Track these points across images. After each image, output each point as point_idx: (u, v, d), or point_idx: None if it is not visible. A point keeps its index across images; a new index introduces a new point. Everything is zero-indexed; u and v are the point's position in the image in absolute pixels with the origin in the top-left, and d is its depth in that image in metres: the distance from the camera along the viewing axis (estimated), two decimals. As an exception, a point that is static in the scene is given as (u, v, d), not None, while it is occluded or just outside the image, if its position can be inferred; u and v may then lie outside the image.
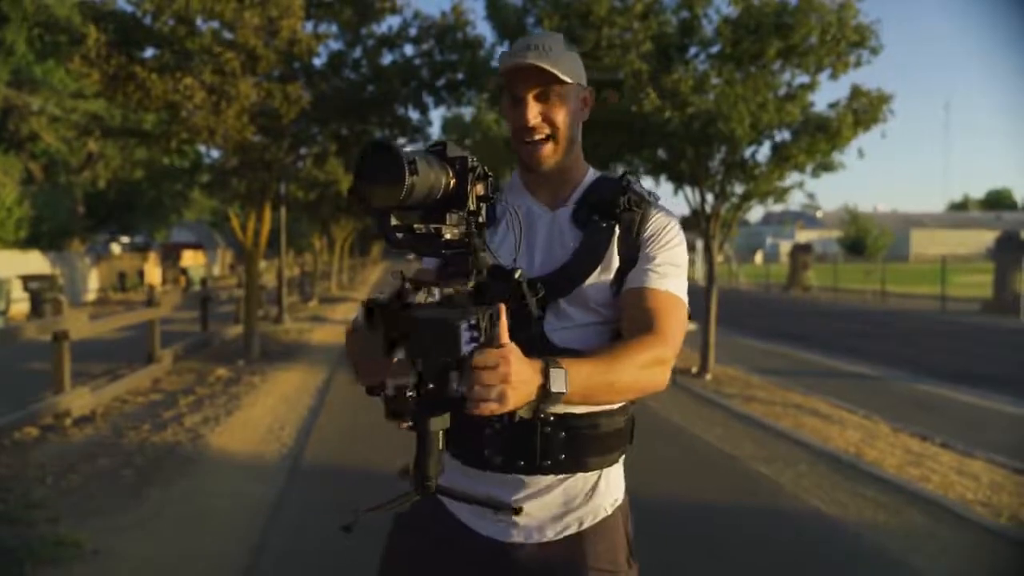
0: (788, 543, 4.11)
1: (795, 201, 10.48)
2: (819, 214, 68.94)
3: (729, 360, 10.44)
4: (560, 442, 1.36)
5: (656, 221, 1.45)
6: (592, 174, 1.52)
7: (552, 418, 1.34)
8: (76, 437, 6.05)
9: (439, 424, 1.11)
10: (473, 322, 1.04)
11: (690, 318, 1.45)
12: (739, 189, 9.41)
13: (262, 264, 12.83)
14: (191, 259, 34.41)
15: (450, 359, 1.03)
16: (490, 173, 1.21)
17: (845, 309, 22.68)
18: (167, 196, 25.16)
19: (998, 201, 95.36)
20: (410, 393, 1.04)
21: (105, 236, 34.48)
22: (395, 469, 1.33)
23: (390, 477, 1.33)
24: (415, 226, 1.13)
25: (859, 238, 57.39)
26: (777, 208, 11.80)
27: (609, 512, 1.44)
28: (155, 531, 4.13)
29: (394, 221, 1.13)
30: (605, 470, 1.43)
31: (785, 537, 4.20)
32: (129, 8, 9.45)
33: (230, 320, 14.51)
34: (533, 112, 1.39)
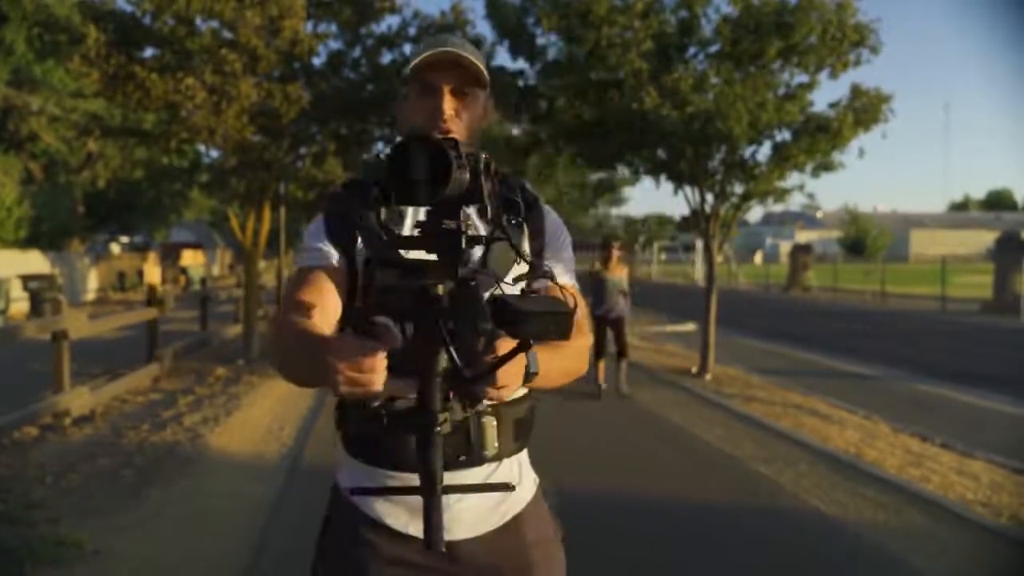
0: (788, 543, 4.10)
1: (795, 201, 10.53)
2: (819, 214, 68.99)
3: (729, 360, 10.44)
4: (493, 431, 1.40)
5: (551, 219, 1.55)
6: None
7: (489, 409, 1.38)
8: (76, 437, 6.04)
9: (443, 427, 1.11)
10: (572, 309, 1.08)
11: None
12: (739, 189, 9.41)
13: (261, 264, 12.81)
14: (190, 259, 34.40)
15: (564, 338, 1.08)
16: (498, 171, 1.22)
17: (845, 309, 22.68)
18: (166, 196, 25.15)
19: (998, 201, 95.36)
20: (451, 400, 1.07)
21: (105, 236, 34.46)
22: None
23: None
24: (445, 223, 1.10)
25: (859, 238, 57.40)
26: (777, 208, 11.82)
27: (535, 492, 1.52)
28: (155, 531, 4.13)
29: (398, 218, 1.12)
30: (522, 455, 1.50)
31: (785, 537, 4.19)
32: (129, 8, 9.45)
33: (229, 320, 14.52)
34: (449, 104, 1.40)
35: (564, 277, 1.47)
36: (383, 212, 1.14)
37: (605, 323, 8.11)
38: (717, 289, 9.92)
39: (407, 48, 11.06)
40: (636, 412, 7.53)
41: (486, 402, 1.32)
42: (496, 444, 1.40)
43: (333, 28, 10.91)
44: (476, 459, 1.39)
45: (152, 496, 4.67)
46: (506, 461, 1.45)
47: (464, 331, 1.06)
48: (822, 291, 29.64)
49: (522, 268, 1.44)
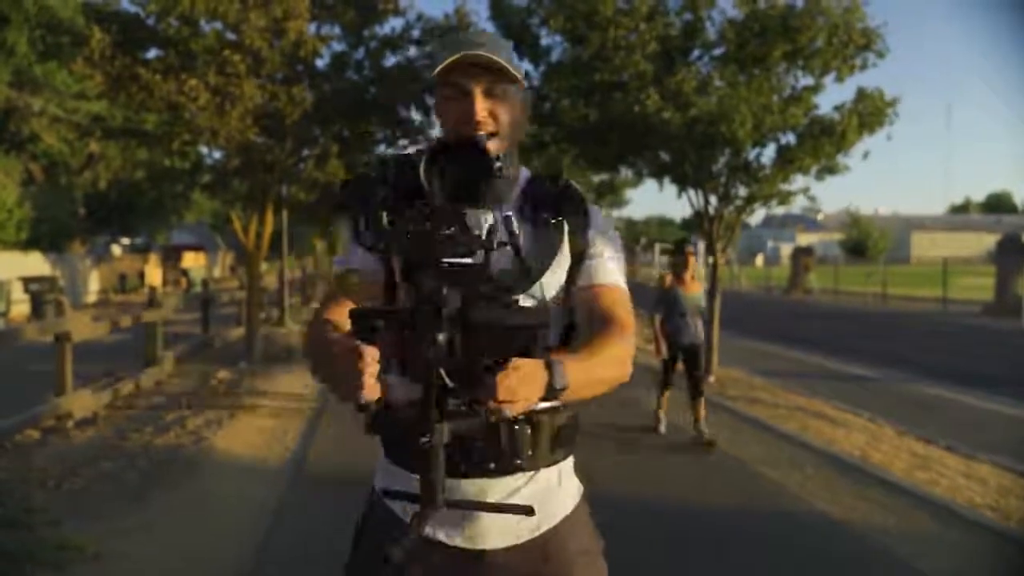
0: (794, 546, 4.08)
1: (796, 204, 10.47)
2: (820, 217, 68.94)
3: (732, 362, 10.41)
4: (527, 440, 1.36)
5: (597, 218, 1.49)
6: (525, 173, 1.51)
7: (521, 417, 1.31)
8: (78, 440, 6.02)
9: (446, 435, 1.08)
10: (546, 321, 1.04)
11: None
12: (743, 192, 9.39)
13: (263, 266, 12.80)
14: (192, 261, 34.40)
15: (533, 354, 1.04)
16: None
17: (846, 311, 22.66)
18: (168, 197, 25.13)
19: (998, 204, 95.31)
20: (435, 411, 1.02)
21: (106, 237, 34.45)
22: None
23: None
24: (448, 228, 1.08)
25: (860, 241, 57.35)
26: (778, 211, 11.81)
27: (577, 502, 1.47)
28: (158, 534, 4.10)
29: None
30: (564, 464, 1.45)
31: (791, 540, 4.17)
32: (133, 9, 9.44)
33: (231, 322, 14.50)
34: (481, 105, 1.35)
35: (606, 276, 1.44)
36: (384, 214, 1.10)
37: (676, 349, 6.39)
38: (719, 291, 9.90)
39: (411, 50, 11.06)
40: (638, 414, 7.50)
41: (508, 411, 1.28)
42: (530, 453, 1.36)
43: (337, 30, 10.91)
44: (507, 467, 1.35)
45: (155, 499, 4.65)
46: (544, 471, 1.40)
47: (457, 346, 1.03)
48: (823, 293, 29.62)
49: (563, 266, 1.42)
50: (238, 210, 12.54)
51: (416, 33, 10.91)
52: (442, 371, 1.02)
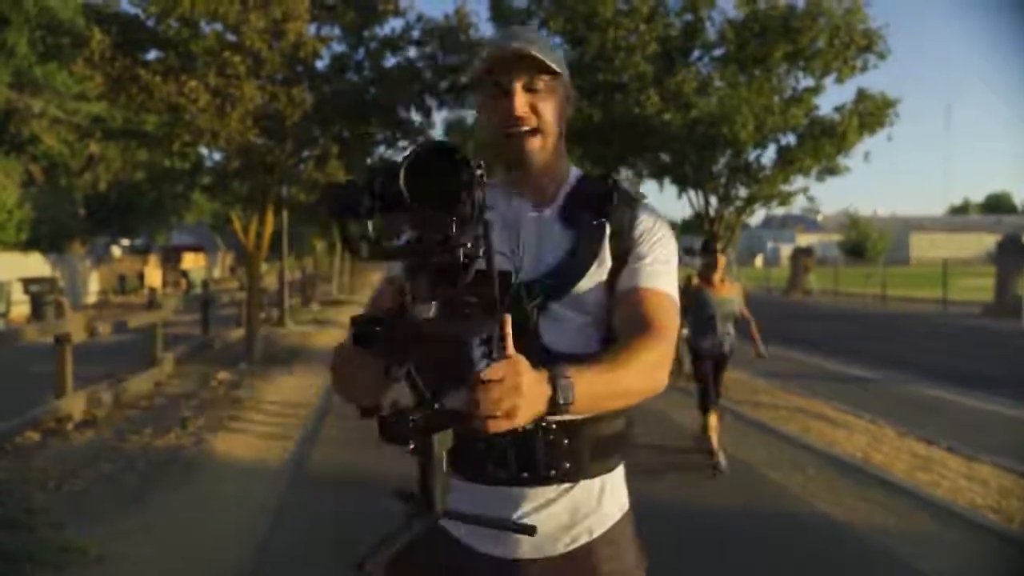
0: (795, 547, 4.08)
1: (796, 205, 10.50)
2: (819, 218, 68.97)
3: (732, 364, 10.39)
4: (564, 450, 1.31)
5: (646, 220, 1.41)
6: (575, 173, 1.46)
7: (555, 426, 1.29)
8: (78, 441, 6.01)
9: (444, 445, 1.05)
10: (485, 337, 0.98)
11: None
12: (743, 192, 9.40)
13: (263, 267, 12.80)
14: (192, 262, 34.40)
15: (463, 377, 0.98)
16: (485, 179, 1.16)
17: (846, 312, 22.66)
18: (168, 198, 25.15)
19: (998, 205, 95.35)
20: (413, 417, 0.99)
21: (105, 238, 34.46)
22: (393, 482, 1.26)
23: (393, 480, 1.27)
24: (432, 234, 1.04)
25: (859, 242, 57.38)
26: (778, 212, 11.83)
27: (618, 518, 1.41)
28: (159, 536, 4.10)
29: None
30: (608, 475, 1.39)
31: (792, 541, 4.16)
32: (133, 10, 9.44)
33: (231, 323, 14.49)
34: (521, 101, 1.32)
35: (648, 280, 1.36)
36: (371, 223, 1.07)
37: (707, 360, 5.74)
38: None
39: (410, 51, 11.06)
40: (641, 416, 7.49)
41: (549, 418, 1.21)
42: (566, 464, 1.31)
43: (336, 31, 10.91)
44: (539, 478, 1.31)
45: (155, 501, 4.64)
46: (584, 482, 1.35)
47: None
48: (823, 294, 29.61)
49: (601, 272, 1.36)
50: (238, 211, 12.55)
51: (416, 34, 10.93)
52: (417, 380, 1.00)
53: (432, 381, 1.01)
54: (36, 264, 20.84)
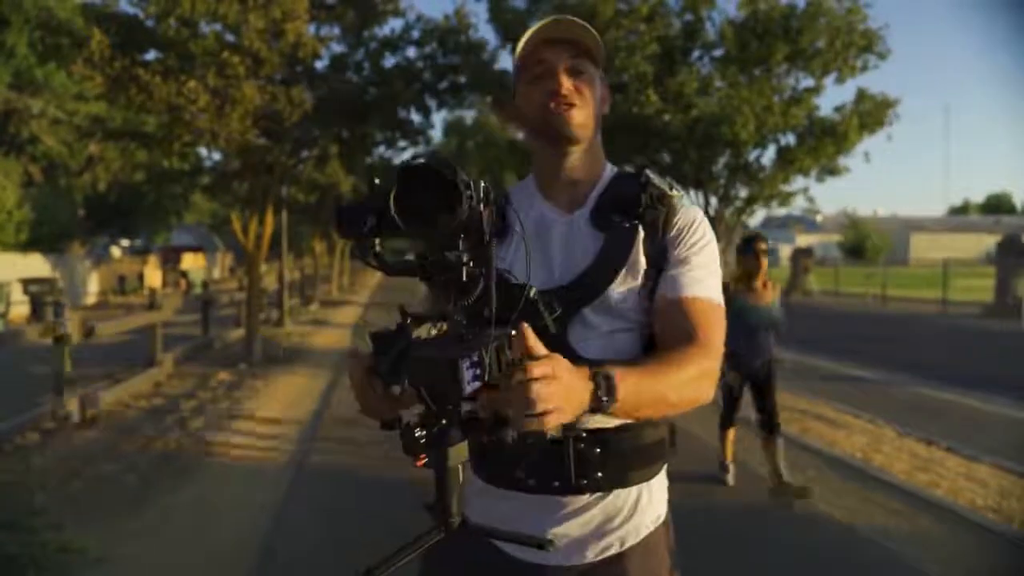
0: (794, 548, 4.07)
1: (796, 205, 10.50)
2: (819, 218, 68.97)
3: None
4: (596, 459, 1.29)
5: (682, 218, 1.36)
6: (610, 171, 1.43)
7: (585, 434, 1.27)
8: (78, 442, 6.01)
9: (457, 457, 1.05)
10: (475, 358, 0.98)
11: None
12: (743, 193, 9.40)
13: (263, 267, 12.81)
14: (191, 262, 34.39)
15: (453, 399, 0.98)
16: (511, 198, 1.15)
17: (846, 313, 22.66)
18: (167, 199, 25.16)
19: (998, 205, 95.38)
20: (419, 432, 1.00)
21: (105, 239, 34.46)
22: (409, 481, 1.26)
23: (393, 481, 1.25)
24: (444, 254, 1.06)
25: (859, 242, 57.40)
26: (778, 212, 11.83)
27: (652, 529, 1.37)
28: (159, 537, 4.10)
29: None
30: (645, 484, 1.36)
31: (793, 542, 4.16)
32: (132, 11, 9.44)
33: (231, 323, 14.48)
34: (567, 80, 1.32)
35: (690, 287, 1.31)
36: (376, 241, 1.08)
37: (743, 374, 5.04)
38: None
39: (410, 51, 11.06)
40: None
41: (585, 427, 1.25)
42: (598, 474, 1.29)
43: (336, 31, 10.92)
44: (570, 487, 1.29)
45: (156, 502, 4.64)
46: (619, 491, 1.32)
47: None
48: (823, 294, 29.61)
49: (635, 277, 1.33)
50: (237, 211, 12.56)
51: (415, 34, 10.93)
52: (424, 395, 1.00)
53: (431, 396, 1.01)
54: (36, 265, 20.83)
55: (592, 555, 1.33)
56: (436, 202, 1.00)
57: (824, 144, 8.31)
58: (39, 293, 17.51)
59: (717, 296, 1.35)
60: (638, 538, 1.35)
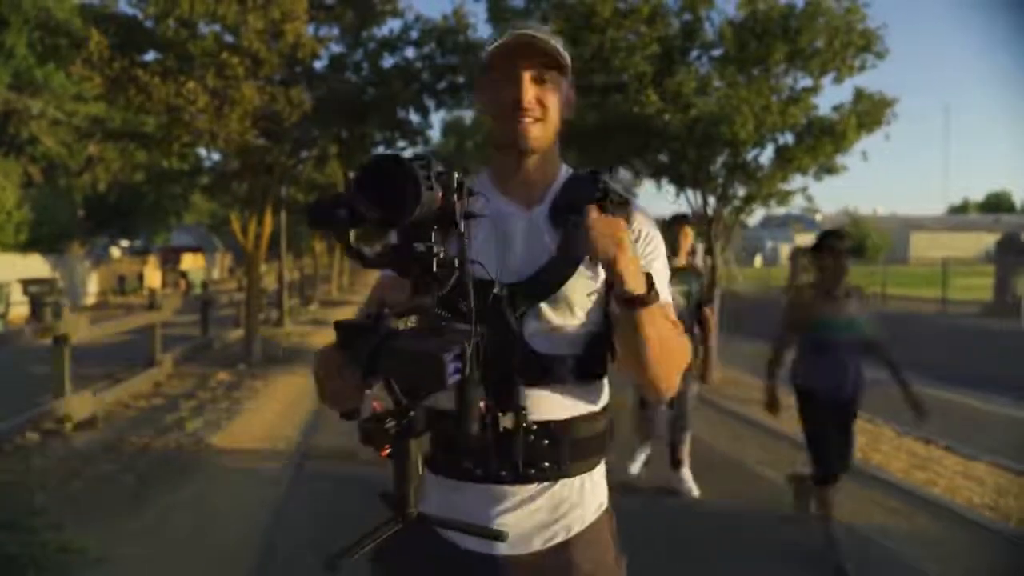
0: (792, 547, 4.08)
1: (795, 204, 10.50)
2: (819, 217, 68.90)
3: (731, 364, 10.41)
4: (543, 450, 1.33)
5: (640, 225, 1.43)
6: (565, 171, 1.47)
7: (535, 426, 1.32)
8: (78, 442, 6.02)
9: (419, 449, 1.08)
10: (457, 352, 1.00)
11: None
12: (741, 192, 9.41)
13: (263, 267, 12.82)
14: (191, 262, 34.40)
15: (434, 391, 1.01)
16: (473, 190, 1.16)
17: (846, 312, 22.63)
18: (167, 199, 25.16)
19: (998, 204, 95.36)
20: (391, 423, 1.02)
21: (105, 239, 34.45)
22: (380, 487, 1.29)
23: (391, 482, 1.29)
24: (414, 245, 1.08)
25: (859, 241, 57.41)
26: (778, 211, 11.84)
27: (596, 517, 1.43)
28: (159, 536, 4.11)
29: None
30: (587, 475, 1.41)
31: (789, 540, 4.17)
32: (131, 11, 9.45)
33: (230, 324, 14.49)
34: (530, 91, 1.35)
35: (661, 295, 1.35)
36: (352, 234, 1.10)
37: (832, 412, 3.97)
38: (718, 291, 9.91)
39: (409, 51, 11.07)
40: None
41: (534, 418, 1.30)
42: (545, 464, 1.34)
43: (335, 31, 10.92)
44: (518, 476, 1.34)
45: (155, 501, 4.65)
46: (564, 481, 1.37)
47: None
48: (822, 294, 29.55)
49: (592, 280, 1.38)
50: (237, 212, 12.57)
51: (414, 34, 10.94)
52: (394, 386, 1.02)
53: (407, 389, 1.03)
54: (35, 265, 20.84)
55: (539, 544, 1.37)
56: (400, 194, 1.02)
57: (822, 143, 8.31)
58: (39, 294, 17.52)
59: (670, 296, 1.45)
60: (583, 526, 1.40)
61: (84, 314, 14.90)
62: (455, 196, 1.09)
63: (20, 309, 17.76)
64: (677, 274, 4.47)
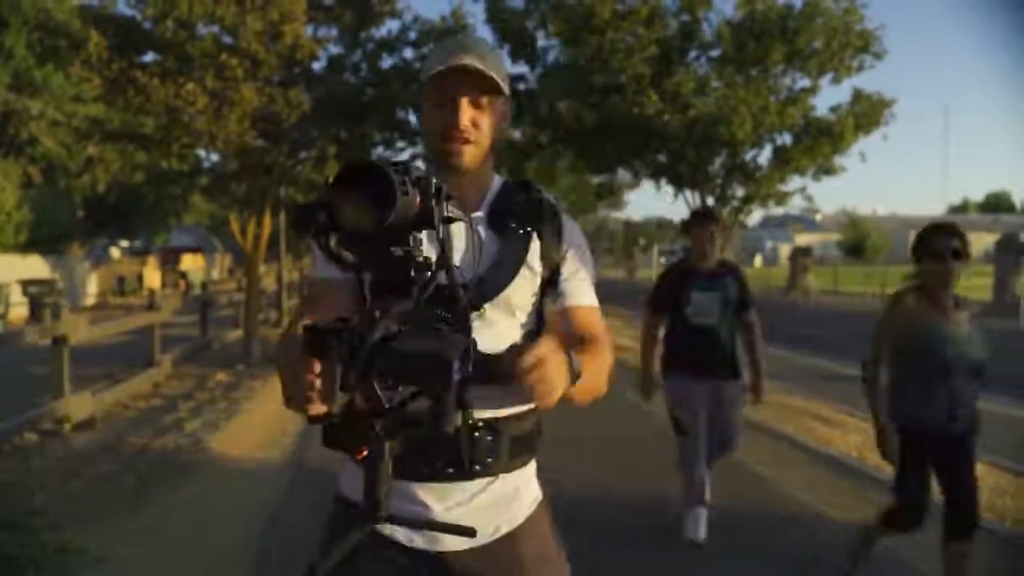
0: (792, 546, 4.09)
1: (794, 204, 10.52)
2: (818, 217, 68.94)
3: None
4: (487, 446, 1.39)
5: (571, 231, 1.51)
6: (498, 180, 1.54)
7: (481, 423, 1.37)
8: (77, 442, 6.03)
9: (393, 450, 1.09)
10: (461, 354, 1.02)
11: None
12: (740, 192, 9.42)
13: (262, 268, 12.83)
14: (190, 263, 34.40)
15: (440, 391, 1.02)
16: (451, 194, 1.18)
17: (845, 312, 22.68)
18: (166, 200, 25.17)
19: (997, 204, 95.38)
20: (376, 425, 1.03)
21: (104, 240, 34.45)
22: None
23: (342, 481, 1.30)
24: (391, 249, 1.09)
25: (859, 241, 57.42)
26: (776, 211, 11.87)
27: (534, 509, 1.50)
28: (157, 537, 4.12)
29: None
30: (523, 471, 1.48)
31: (788, 540, 4.18)
32: (130, 13, 9.46)
33: (229, 324, 14.50)
34: (466, 115, 1.40)
35: (583, 297, 1.48)
36: (332, 238, 1.10)
37: (933, 449, 3.16)
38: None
39: (407, 52, 11.08)
40: (637, 415, 7.52)
41: (478, 416, 1.35)
42: (489, 460, 1.40)
43: (334, 32, 10.93)
44: (465, 473, 1.39)
45: (154, 502, 4.66)
46: (504, 476, 1.44)
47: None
48: (822, 294, 29.63)
49: (532, 280, 1.45)
50: (236, 212, 12.58)
51: (413, 35, 10.95)
52: (378, 389, 1.02)
53: (391, 390, 1.04)
54: (35, 266, 20.84)
55: (485, 536, 1.42)
56: (376, 198, 1.02)
57: (820, 144, 8.33)
58: (38, 294, 17.52)
59: (597, 301, 1.54)
60: (523, 518, 1.48)
61: (83, 315, 14.92)
62: (433, 201, 1.11)
63: (19, 310, 17.76)
64: (706, 279, 4.14)
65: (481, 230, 1.45)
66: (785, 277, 33.02)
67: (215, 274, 40.14)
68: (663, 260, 54.60)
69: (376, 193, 1.02)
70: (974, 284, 23.88)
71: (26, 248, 22.21)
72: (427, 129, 1.47)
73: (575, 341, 1.43)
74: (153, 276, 29.21)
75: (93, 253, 29.96)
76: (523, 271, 1.43)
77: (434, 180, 1.12)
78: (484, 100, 1.41)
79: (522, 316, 1.46)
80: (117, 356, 10.14)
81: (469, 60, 1.37)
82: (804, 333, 16.15)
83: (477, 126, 1.42)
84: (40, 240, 23.41)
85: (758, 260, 59.32)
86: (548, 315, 1.50)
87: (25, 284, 18.19)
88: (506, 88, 1.44)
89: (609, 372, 1.45)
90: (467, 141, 1.41)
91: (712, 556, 3.96)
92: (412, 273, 1.10)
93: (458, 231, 1.43)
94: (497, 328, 1.42)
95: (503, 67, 1.45)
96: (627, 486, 5.13)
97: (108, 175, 22.82)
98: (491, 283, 1.40)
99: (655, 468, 5.58)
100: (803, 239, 60.53)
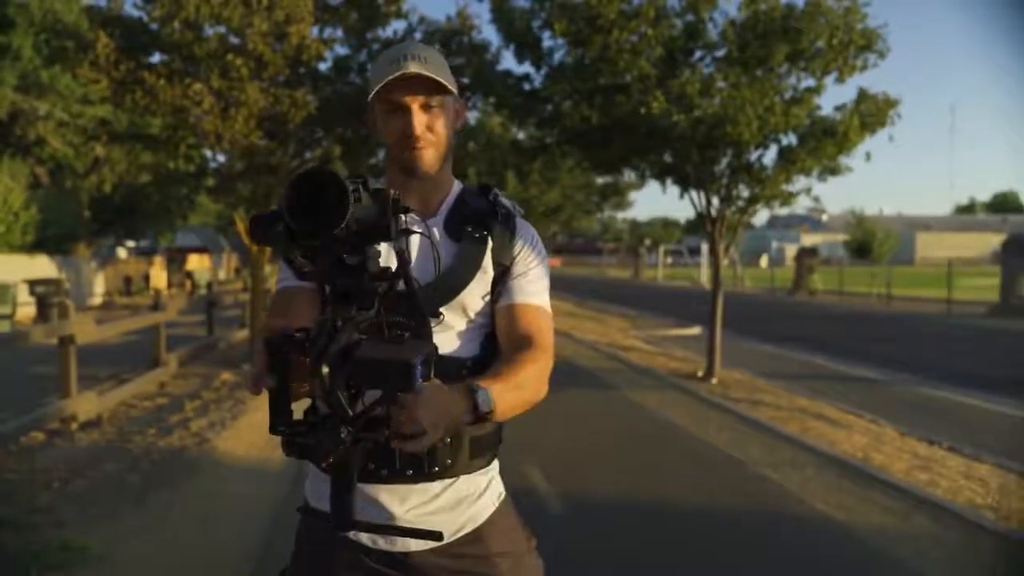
0: (794, 548, 4.09)
1: (800, 205, 10.51)
2: (824, 217, 68.83)
3: (735, 364, 10.42)
4: (446, 448, 1.40)
5: (524, 234, 1.53)
6: (457, 185, 1.56)
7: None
8: (82, 442, 6.06)
9: (359, 457, 1.11)
10: (423, 358, 1.03)
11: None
12: (745, 193, 9.40)
13: (267, 268, 12.85)
14: (197, 263, 34.50)
15: (402, 397, 1.04)
16: (408, 207, 1.18)
17: (851, 312, 22.62)
18: (172, 200, 25.25)
19: (1004, 204, 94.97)
20: (345, 433, 1.03)
21: (111, 240, 34.56)
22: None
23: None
24: (344, 257, 1.10)
25: (865, 241, 57.26)
26: (782, 212, 11.86)
27: (497, 505, 1.51)
28: (161, 536, 4.14)
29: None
30: (485, 471, 1.49)
31: (790, 541, 4.18)
32: (137, 14, 9.51)
33: (235, 324, 14.54)
34: (420, 121, 1.41)
35: (529, 295, 1.49)
36: (292, 247, 1.11)
37: None
38: (722, 292, 9.91)
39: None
40: (641, 415, 7.52)
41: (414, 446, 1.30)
42: (449, 461, 1.41)
43: (339, 33, 10.96)
44: (423, 475, 1.40)
45: (158, 501, 4.68)
46: (465, 477, 1.45)
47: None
48: (828, 294, 29.56)
49: (485, 282, 1.47)
50: (242, 212, 12.62)
51: (418, 36, 10.96)
52: (342, 398, 1.02)
53: (355, 399, 1.04)
54: (42, 266, 20.93)
55: (448, 536, 1.43)
56: (328, 207, 1.03)
57: (824, 145, 8.30)
58: (45, 294, 17.58)
59: (548, 304, 1.54)
60: (488, 515, 1.49)
61: (90, 314, 14.97)
62: (390, 212, 1.12)
63: (27, 309, 17.84)
64: None
65: (438, 234, 1.47)
66: (791, 277, 32.96)
67: (221, 274, 40.23)
68: (669, 260, 54.69)
69: (329, 201, 1.03)
70: (981, 285, 23.84)
71: (33, 248, 22.29)
72: (382, 138, 1.49)
73: (515, 341, 1.45)
74: (159, 276, 29.30)
75: (100, 253, 30.07)
76: (478, 274, 1.46)
77: (392, 192, 1.13)
78: (434, 102, 1.43)
79: (477, 318, 1.48)
80: (123, 356, 10.19)
81: (413, 67, 1.38)
82: (808, 333, 16.13)
83: (432, 130, 1.44)
84: (47, 240, 23.49)
85: (764, 260, 59.19)
86: (495, 312, 1.50)
87: (32, 284, 18.25)
88: (453, 87, 1.45)
89: (547, 377, 1.44)
90: (425, 146, 1.43)
91: (713, 555, 3.96)
92: (370, 282, 1.10)
93: (415, 238, 1.45)
94: (453, 331, 1.45)
95: (446, 66, 1.46)
96: (627, 486, 5.13)
97: (115, 175, 22.99)
98: (447, 287, 1.43)
99: (655, 468, 5.59)
100: (809, 239, 60.42)
